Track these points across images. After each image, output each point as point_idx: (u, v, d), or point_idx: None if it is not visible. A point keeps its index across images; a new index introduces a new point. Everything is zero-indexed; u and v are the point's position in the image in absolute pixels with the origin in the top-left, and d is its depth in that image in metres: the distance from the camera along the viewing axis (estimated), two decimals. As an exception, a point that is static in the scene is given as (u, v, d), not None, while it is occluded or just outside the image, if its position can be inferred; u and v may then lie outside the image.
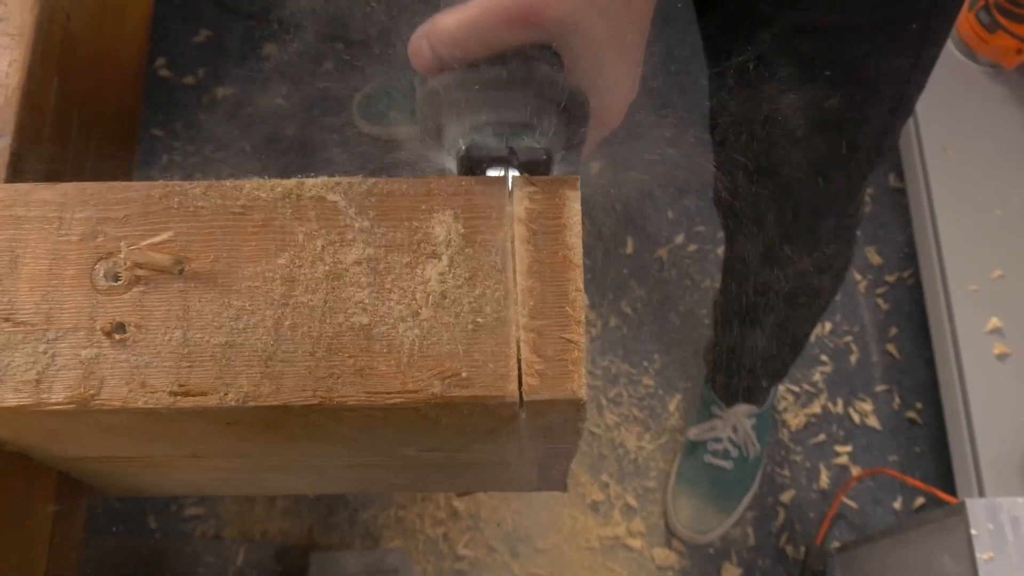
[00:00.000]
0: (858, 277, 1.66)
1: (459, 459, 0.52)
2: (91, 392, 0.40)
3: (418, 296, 0.42)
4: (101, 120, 0.61)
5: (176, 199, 0.43)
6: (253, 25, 1.81)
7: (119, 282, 0.42)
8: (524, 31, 0.46)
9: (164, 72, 1.77)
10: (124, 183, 0.44)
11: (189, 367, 0.41)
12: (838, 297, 1.59)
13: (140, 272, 0.42)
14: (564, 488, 0.61)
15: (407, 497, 1.47)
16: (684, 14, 0.92)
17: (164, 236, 0.42)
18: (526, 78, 0.46)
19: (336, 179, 0.44)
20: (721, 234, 1.27)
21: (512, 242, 0.43)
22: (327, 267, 0.42)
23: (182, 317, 0.42)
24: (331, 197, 0.43)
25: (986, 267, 1.52)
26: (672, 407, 1.57)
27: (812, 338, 1.59)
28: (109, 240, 0.43)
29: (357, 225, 0.43)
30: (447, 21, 0.46)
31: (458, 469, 0.54)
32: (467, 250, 0.43)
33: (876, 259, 1.67)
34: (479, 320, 0.41)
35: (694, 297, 1.65)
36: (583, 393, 0.41)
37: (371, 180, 0.44)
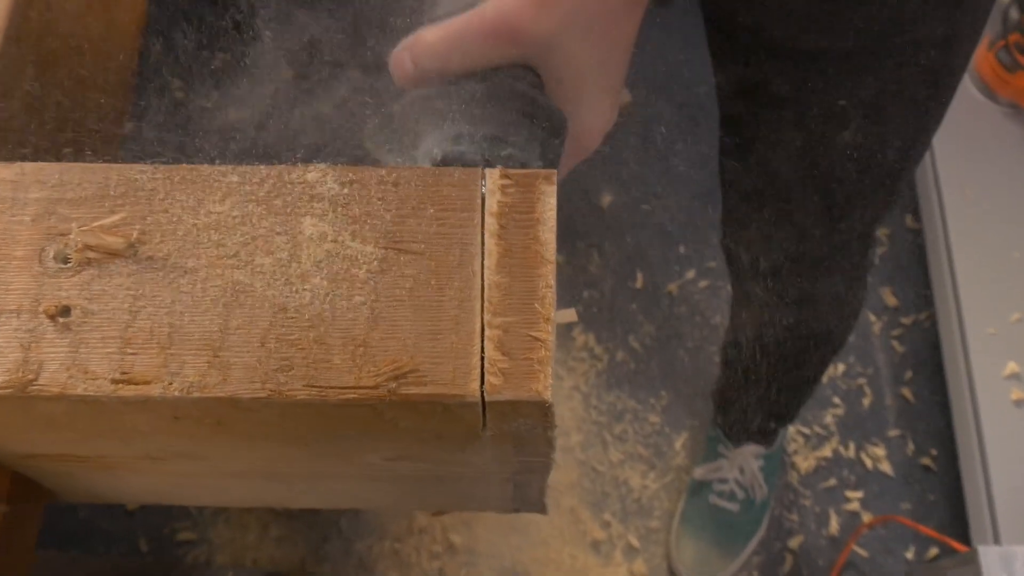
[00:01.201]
0: (873, 318, 1.63)
1: (428, 472, 0.49)
2: (29, 377, 0.38)
3: (380, 289, 0.40)
4: (82, 119, 0.60)
5: (134, 182, 0.42)
6: (272, 51, 1.82)
7: (68, 264, 0.40)
8: (504, 48, 0.47)
9: (179, 94, 1.77)
10: (82, 164, 0.42)
11: (134, 355, 0.39)
12: (851, 338, 1.56)
13: (91, 255, 0.40)
14: (543, 510, 0.58)
15: (403, 529, 1.43)
16: (698, 40, 0.90)
17: (116, 217, 0.40)
18: (504, 94, 0.46)
19: (316, 166, 0.42)
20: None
21: (482, 235, 0.40)
22: (285, 256, 0.40)
23: (131, 303, 0.40)
24: (305, 178, 0.42)
25: (1004, 310, 1.48)
26: (678, 446, 1.53)
27: (824, 379, 1.55)
28: (62, 221, 0.41)
29: (321, 213, 0.41)
30: (430, 35, 0.47)
31: (429, 484, 0.52)
32: (435, 242, 0.40)
33: (892, 300, 1.64)
34: (442, 315, 0.39)
35: (703, 334, 1.62)
36: (548, 395, 0.38)
37: (346, 168, 0.42)
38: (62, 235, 0.41)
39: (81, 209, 0.41)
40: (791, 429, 1.54)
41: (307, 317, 0.39)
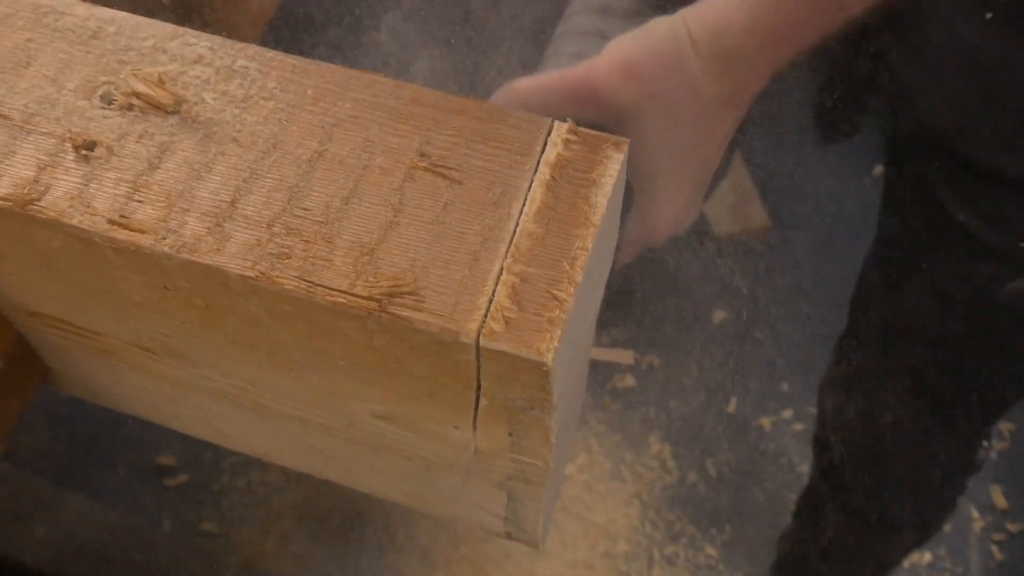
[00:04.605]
0: (975, 515, 1.48)
1: (416, 447, 0.45)
2: (33, 195, 0.37)
3: (406, 205, 0.37)
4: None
5: (209, 49, 0.41)
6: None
7: (112, 106, 0.39)
8: (585, 109, 0.50)
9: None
10: (161, 22, 0.41)
11: (140, 203, 0.37)
12: (946, 528, 1.42)
13: (135, 101, 0.39)
14: (537, 544, 0.52)
15: (419, 584, 1.36)
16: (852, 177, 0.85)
17: (170, 67, 0.39)
18: None
19: (382, 77, 0.40)
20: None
21: (531, 182, 0.37)
22: (320, 150, 0.38)
23: (157, 155, 0.38)
24: (371, 84, 0.39)
25: None
26: (728, 587, 1.41)
27: (906, 563, 1.41)
28: (121, 65, 0.40)
29: (368, 121, 0.39)
30: (523, 83, 0.51)
31: (416, 469, 0.47)
32: (479, 175, 0.37)
33: (1001, 501, 1.48)
34: (462, 247, 0.36)
35: (785, 479, 1.51)
36: (550, 359, 0.34)
37: (406, 85, 0.40)
38: (116, 78, 0.40)
39: (144, 60, 0.40)
40: (855, 606, 1.40)
41: (321, 212, 0.36)
